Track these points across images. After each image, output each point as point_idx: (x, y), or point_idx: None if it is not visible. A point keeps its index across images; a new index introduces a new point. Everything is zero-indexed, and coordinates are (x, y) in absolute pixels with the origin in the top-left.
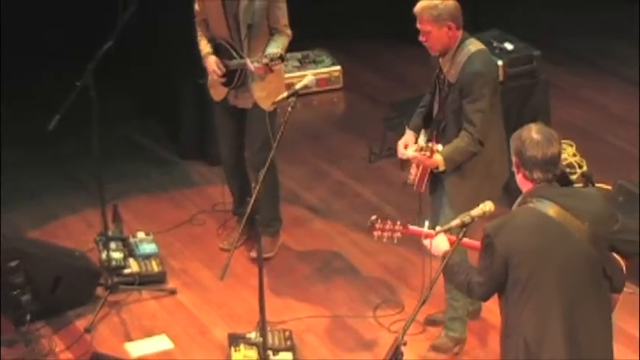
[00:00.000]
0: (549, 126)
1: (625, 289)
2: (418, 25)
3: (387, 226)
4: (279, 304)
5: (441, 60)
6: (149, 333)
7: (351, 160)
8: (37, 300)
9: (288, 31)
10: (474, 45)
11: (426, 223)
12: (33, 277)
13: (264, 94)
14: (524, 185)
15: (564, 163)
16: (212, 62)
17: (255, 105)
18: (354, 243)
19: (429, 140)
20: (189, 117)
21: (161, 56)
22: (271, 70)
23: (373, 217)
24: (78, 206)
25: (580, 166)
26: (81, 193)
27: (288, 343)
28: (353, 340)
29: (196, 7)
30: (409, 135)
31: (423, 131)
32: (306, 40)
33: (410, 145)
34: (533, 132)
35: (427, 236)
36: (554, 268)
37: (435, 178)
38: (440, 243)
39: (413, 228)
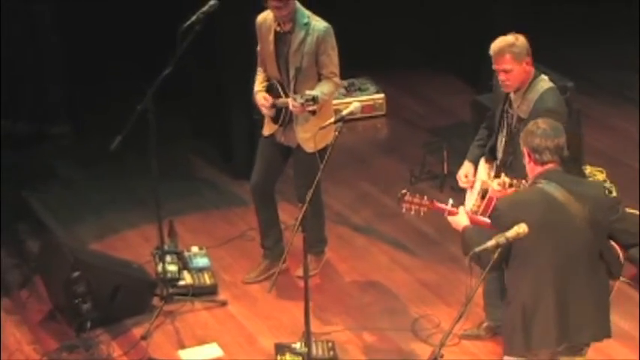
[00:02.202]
0: (581, 153)
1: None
2: (496, 66)
3: (416, 200)
4: (323, 316)
5: (512, 95)
6: (201, 341)
7: (393, 182)
8: (97, 308)
9: (336, 79)
10: (545, 82)
11: (450, 201)
12: (94, 287)
13: (307, 136)
14: (534, 170)
15: None
16: (260, 97)
17: (300, 145)
18: (395, 261)
19: (497, 174)
20: (242, 140)
21: (216, 82)
22: (312, 112)
23: (403, 191)
24: (137, 221)
25: (610, 192)
26: (140, 209)
27: (331, 353)
28: (392, 352)
29: (258, 47)
30: (469, 166)
31: (482, 163)
32: (352, 69)
33: (469, 176)
34: (540, 123)
35: (450, 213)
36: (553, 244)
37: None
38: (461, 219)
39: (438, 204)
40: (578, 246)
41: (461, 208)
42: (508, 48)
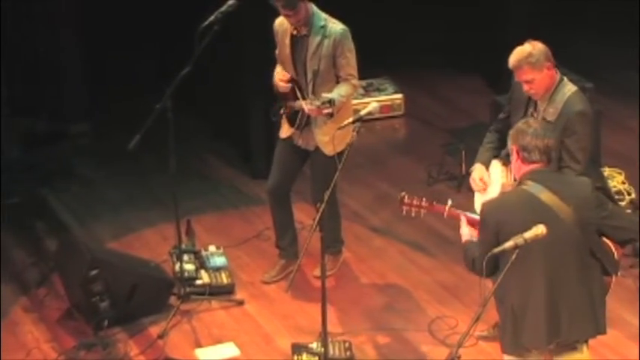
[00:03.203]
0: (600, 154)
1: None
2: (517, 79)
3: (415, 202)
4: (340, 316)
5: (538, 100)
6: (218, 340)
7: (411, 183)
8: (114, 307)
9: (354, 81)
10: (570, 85)
11: (449, 202)
12: (111, 286)
13: (326, 139)
14: (521, 169)
15: (613, 190)
16: (278, 72)
17: (318, 148)
18: (412, 261)
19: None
20: (260, 140)
21: (235, 81)
22: (330, 115)
23: (402, 193)
24: (154, 220)
25: (629, 194)
26: (157, 208)
27: (348, 353)
28: (409, 353)
29: (276, 51)
30: (483, 169)
31: (498, 165)
32: (370, 69)
33: (485, 179)
34: (532, 123)
35: (449, 215)
36: (539, 244)
37: None
38: (463, 232)
39: (437, 206)
40: (566, 246)
41: (462, 218)
42: (525, 59)
